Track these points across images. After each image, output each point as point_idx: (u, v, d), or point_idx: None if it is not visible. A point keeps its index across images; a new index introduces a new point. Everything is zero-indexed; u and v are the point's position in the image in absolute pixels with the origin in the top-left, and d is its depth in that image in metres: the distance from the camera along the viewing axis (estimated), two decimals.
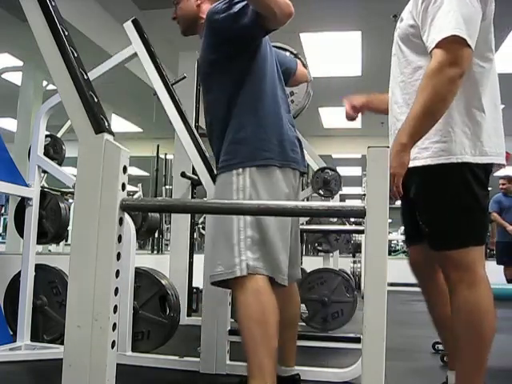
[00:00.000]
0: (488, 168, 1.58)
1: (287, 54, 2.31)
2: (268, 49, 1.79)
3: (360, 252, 7.38)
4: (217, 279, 1.63)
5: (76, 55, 1.35)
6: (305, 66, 2.23)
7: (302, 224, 3.75)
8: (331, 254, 3.91)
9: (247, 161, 1.67)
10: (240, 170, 1.66)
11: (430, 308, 1.85)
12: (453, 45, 1.45)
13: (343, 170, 8.09)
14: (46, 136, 2.77)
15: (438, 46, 1.47)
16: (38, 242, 2.60)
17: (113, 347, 1.19)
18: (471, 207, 1.56)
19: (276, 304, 1.58)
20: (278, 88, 1.78)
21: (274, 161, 1.69)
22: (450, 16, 1.46)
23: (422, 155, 1.58)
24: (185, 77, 2.45)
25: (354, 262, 6.97)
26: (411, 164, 1.54)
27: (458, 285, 1.54)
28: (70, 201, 4.35)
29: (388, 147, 1.11)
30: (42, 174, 2.67)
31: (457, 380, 1.57)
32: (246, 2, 1.57)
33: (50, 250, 5.78)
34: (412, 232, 1.79)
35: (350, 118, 1.99)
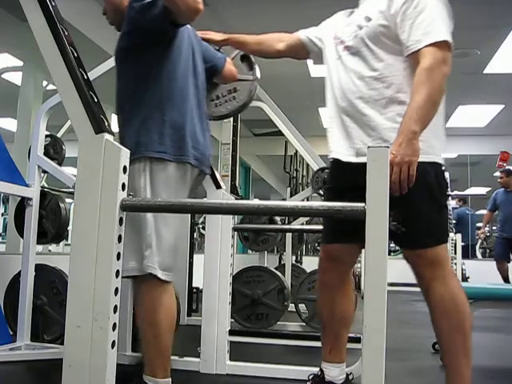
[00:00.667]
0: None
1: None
2: (186, 43, 1.81)
3: None
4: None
5: (76, 55, 1.35)
6: (252, 65, 2.23)
7: (302, 224, 3.76)
8: None
9: (144, 153, 1.68)
10: (141, 164, 1.67)
11: (330, 303, 1.86)
12: (446, 47, 1.57)
13: None
14: (46, 136, 2.77)
15: (433, 45, 1.56)
16: (38, 242, 2.60)
17: (113, 347, 1.19)
18: (443, 205, 1.68)
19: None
20: (189, 82, 1.80)
21: (168, 155, 1.70)
22: (437, 22, 1.59)
23: None
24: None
25: None
26: None
27: (432, 282, 1.62)
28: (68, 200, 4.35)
29: (388, 147, 1.11)
30: (42, 174, 2.67)
31: (449, 371, 1.64)
32: None
33: (49, 250, 5.77)
34: (348, 229, 1.63)
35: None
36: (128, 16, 1.69)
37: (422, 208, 1.63)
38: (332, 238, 1.86)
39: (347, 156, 1.70)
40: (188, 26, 1.84)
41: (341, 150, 1.72)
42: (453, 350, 1.62)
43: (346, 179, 1.67)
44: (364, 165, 1.09)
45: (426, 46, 1.57)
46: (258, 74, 2.26)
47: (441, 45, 1.56)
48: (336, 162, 1.75)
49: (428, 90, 1.53)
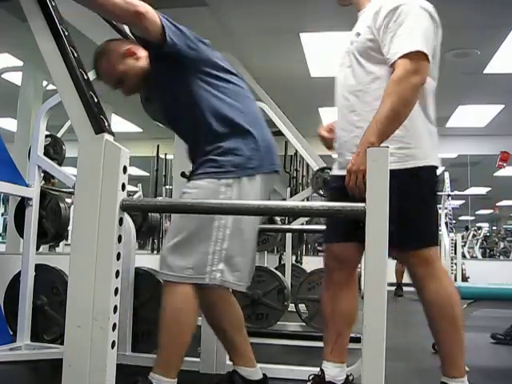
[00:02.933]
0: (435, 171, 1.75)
1: None
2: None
3: None
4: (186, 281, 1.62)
5: (76, 55, 1.35)
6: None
7: (302, 224, 3.76)
8: None
9: (236, 171, 1.67)
10: (230, 180, 1.66)
11: (334, 300, 1.87)
12: (418, 57, 1.60)
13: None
14: (46, 136, 2.77)
15: (404, 56, 1.60)
16: (38, 242, 2.60)
17: (113, 347, 1.19)
18: (433, 208, 1.77)
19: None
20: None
21: (262, 168, 1.72)
22: (414, 33, 1.61)
23: (389, 160, 1.66)
24: None
25: None
26: None
27: (425, 280, 1.71)
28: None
29: (387, 147, 1.11)
30: (42, 174, 2.67)
31: (444, 365, 1.73)
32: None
33: (55, 249, 5.78)
34: (349, 229, 1.71)
35: (327, 143, 2.04)
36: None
37: (410, 211, 1.66)
38: (335, 237, 1.88)
39: (335, 170, 1.85)
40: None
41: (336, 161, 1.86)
42: (449, 342, 1.71)
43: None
44: None
45: (399, 58, 1.60)
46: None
47: (414, 55, 1.59)
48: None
49: (392, 102, 1.58)
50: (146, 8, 1.59)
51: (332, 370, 1.86)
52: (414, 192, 1.69)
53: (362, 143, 1.59)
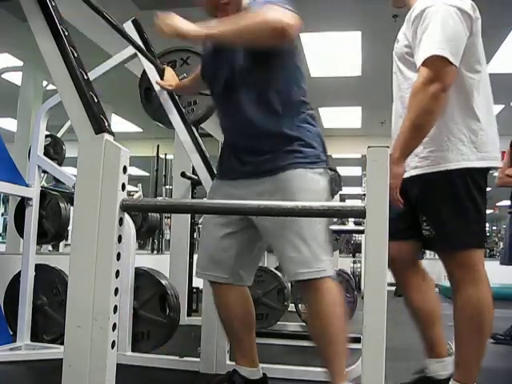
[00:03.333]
0: (486, 172, 1.70)
1: None
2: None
3: (360, 252, 7.37)
4: (321, 275, 1.59)
5: (76, 55, 1.35)
6: None
7: None
8: None
9: (318, 162, 1.66)
10: (321, 169, 1.66)
11: (409, 301, 1.93)
12: (435, 63, 1.55)
13: (343, 170, 8.10)
14: (47, 136, 2.77)
15: (423, 64, 1.57)
16: (38, 242, 2.60)
17: (113, 347, 1.19)
18: (471, 211, 1.66)
19: None
20: None
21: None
22: (433, 37, 1.57)
23: (422, 164, 1.69)
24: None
25: (354, 262, 6.96)
26: (413, 173, 1.70)
27: (461, 283, 1.66)
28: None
29: (388, 147, 1.11)
30: (42, 174, 2.67)
31: (457, 370, 1.68)
32: None
33: (58, 250, 5.78)
34: (402, 227, 1.77)
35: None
36: None
37: (444, 214, 1.66)
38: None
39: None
40: None
41: None
42: (468, 349, 1.66)
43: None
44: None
45: (420, 65, 1.58)
46: None
47: (432, 61, 1.55)
48: None
49: (412, 116, 1.58)
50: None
51: (434, 366, 1.84)
52: (447, 194, 1.65)
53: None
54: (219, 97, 1.78)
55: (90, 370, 1.17)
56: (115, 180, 1.21)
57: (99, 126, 1.26)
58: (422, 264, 1.93)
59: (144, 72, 2.47)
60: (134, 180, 6.63)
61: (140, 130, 9.49)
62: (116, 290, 1.20)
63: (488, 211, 13.39)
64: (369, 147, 1.10)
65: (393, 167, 1.54)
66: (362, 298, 1.10)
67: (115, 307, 1.20)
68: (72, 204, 2.45)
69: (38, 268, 2.55)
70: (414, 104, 1.58)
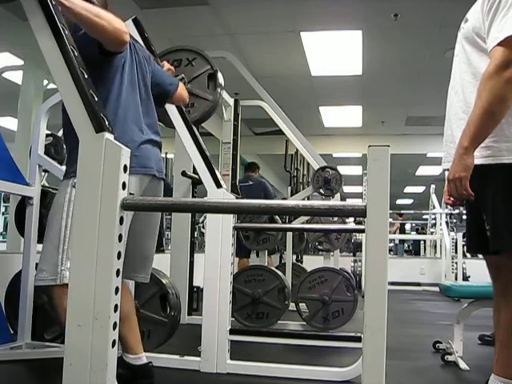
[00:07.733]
0: None
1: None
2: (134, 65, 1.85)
3: (361, 251, 7.37)
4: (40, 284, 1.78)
5: (76, 54, 1.35)
6: (217, 86, 2.47)
7: (303, 223, 3.76)
8: (332, 253, 3.92)
9: None
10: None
11: (496, 311, 1.72)
12: (510, 44, 1.43)
13: (344, 169, 8.09)
14: (47, 135, 2.77)
15: (498, 44, 1.45)
16: (39, 241, 2.60)
17: (113, 346, 1.19)
18: None
19: None
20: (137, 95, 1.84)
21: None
22: (510, 16, 1.43)
23: (483, 154, 1.55)
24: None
25: (355, 261, 6.96)
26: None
27: (510, 285, 1.56)
28: None
29: (388, 146, 1.11)
30: (43, 173, 2.67)
31: (496, 363, 1.60)
32: None
33: None
34: (480, 242, 1.65)
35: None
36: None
37: (499, 211, 1.54)
38: (476, 249, 1.80)
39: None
40: (139, 45, 1.93)
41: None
42: (508, 349, 1.57)
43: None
44: None
45: (494, 46, 1.45)
46: (219, 98, 2.27)
47: (506, 43, 1.42)
48: None
49: (483, 102, 1.45)
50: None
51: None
52: (506, 189, 1.53)
53: (456, 149, 1.51)
54: None
55: (91, 369, 1.17)
56: (116, 179, 1.21)
57: (100, 124, 1.26)
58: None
59: None
60: None
61: None
62: (116, 289, 1.20)
63: None
64: (369, 146, 1.10)
65: (461, 157, 1.48)
66: (363, 296, 1.10)
67: (116, 306, 1.20)
68: None
69: None
70: (487, 89, 1.44)
